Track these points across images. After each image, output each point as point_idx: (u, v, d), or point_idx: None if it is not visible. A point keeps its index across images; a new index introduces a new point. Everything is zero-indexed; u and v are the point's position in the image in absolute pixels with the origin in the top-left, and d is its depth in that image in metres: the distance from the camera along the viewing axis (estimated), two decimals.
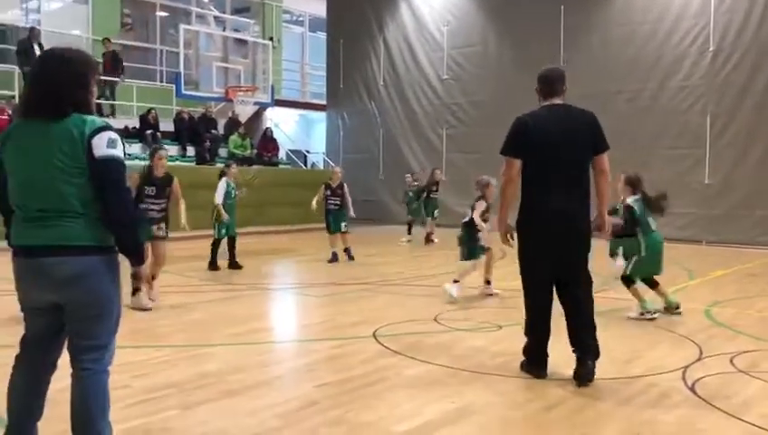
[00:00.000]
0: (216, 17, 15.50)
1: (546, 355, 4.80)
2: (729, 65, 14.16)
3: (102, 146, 2.87)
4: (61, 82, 2.91)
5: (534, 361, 4.83)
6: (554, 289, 4.79)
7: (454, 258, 9.56)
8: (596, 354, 4.62)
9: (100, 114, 15.21)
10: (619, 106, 15.42)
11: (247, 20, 16.61)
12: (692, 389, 4.52)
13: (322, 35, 22.45)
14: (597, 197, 4.82)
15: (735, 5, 14.07)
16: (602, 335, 6.02)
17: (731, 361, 5.20)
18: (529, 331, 4.88)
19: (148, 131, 15.75)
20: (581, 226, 4.71)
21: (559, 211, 4.58)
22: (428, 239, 14.24)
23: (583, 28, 15.99)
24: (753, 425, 3.87)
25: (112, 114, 16.06)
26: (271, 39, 17.23)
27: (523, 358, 4.93)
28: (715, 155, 14.35)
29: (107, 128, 2.93)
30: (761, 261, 11.78)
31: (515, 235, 4.84)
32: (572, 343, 4.69)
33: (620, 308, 7.34)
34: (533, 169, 4.66)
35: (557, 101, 4.79)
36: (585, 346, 4.62)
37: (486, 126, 17.34)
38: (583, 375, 4.54)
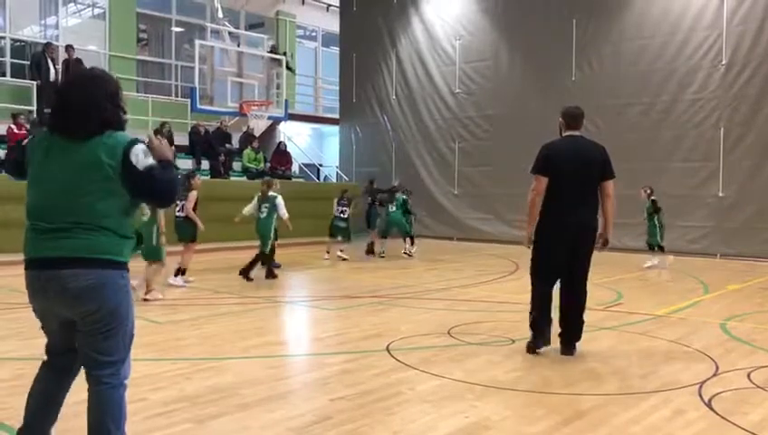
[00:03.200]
0: (230, 33, 15.65)
1: (547, 334, 5.83)
2: (742, 78, 14.13)
3: (141, 158, 2.94)
4: (94, 101, 2.97)
5: (536, 338, 5.85)
6: (558, 281, 5.85)
7: (465, 272, 9.59)
8: (579, 336, 5.86)
9: None
10: (633, 119, 15.42)
11: (261, 35, 16.75)
12: (709, 405, 4.48)
13: (335, 50, 22.62)
14: (603, 216, 5.83)
15: (748, 18, 14.05)
16: (616, 350, 6.04)
17: (748, 376, 5.16)
18: (533, 314, 5.90)
19: None
20: (590, 234, 5.75)
21: (573, 222, 5.64)
22: (369, 251, 14.03)
23: (595, 41, 16.02)
24: None
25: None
26: (284, 54, 17.38)
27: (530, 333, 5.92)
28: (728, 168, 14.28)
29: (137, 141, 3.00)
30: None
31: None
32: (562, 325, 5.86)
33: (633, 322, 7.31)
34: (555, 188, 5.63)
35: (576, 133, 5.84)
36: (575, 328, 5.83)
37: (498, 140, 17.41)
38: (568, 353, 5.81)
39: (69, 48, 15.14)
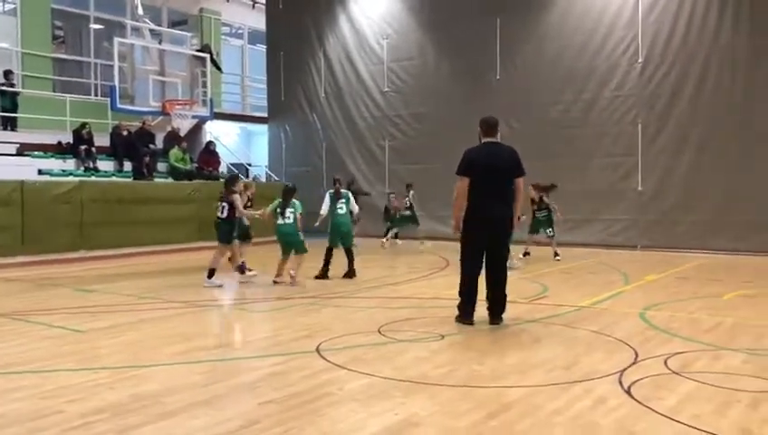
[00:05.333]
0: (151, 30, 15.20)
1: (473, 310, 6.84)
2: (658, 75, 14.73)
3: None
4: None
5: (465, 313, 6.85)
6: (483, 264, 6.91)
7: (398, 269, 9.64)
8: (504, 308, 6.92)
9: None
10: (556, 116, 15.85)
11: (185, 33, 16.35)
12: (628, 392, 4.63)
13: (262, 48, 22.33)
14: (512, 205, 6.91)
15: (662, 18, 14.65)
16: (542, 342, 6.18)
17: (665, 362, 5.37)
18: (462, 291, 6.93)
19: (83, 147, 15.33)
20: (506, 224, 6.87)
21: (491, 214, 6.77)
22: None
23: (519, 40, 16.37)
24: (687, 425, 3.99)
25: (12, 127, 15.51)
26: (210, 52, 17.01)
27: (457, 313, 6.95)
28: (647, 163, 14.86)
29: None
30: (691, 265, 12.22)
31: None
32: (489, 300, 6.91)
33: (558, 314, 7.51)
34: (476, 186, 6.74)
35: (492, 139, 7.02)
36: (501, 301, 6.89)
37: (428, 138, 17.58)
38: (496, 322, 6.85)
39: None
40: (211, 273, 9.89)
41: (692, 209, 14.26)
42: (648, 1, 14.81)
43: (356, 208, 11.00)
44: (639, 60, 14.91)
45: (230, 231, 10.10)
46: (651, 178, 14.82)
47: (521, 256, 12.45)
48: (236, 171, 19.41)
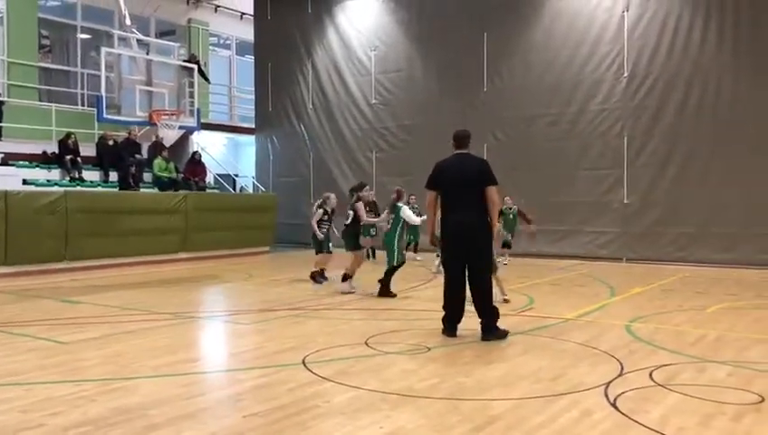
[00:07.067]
0: (139, 40, 15.16)
1: (455, 321, 6.93)
2: (643, 89, 14.86)
3: None
4: None
5: (445, 325, 6.94)
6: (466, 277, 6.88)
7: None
8: (489, 322, 6.82)
9: None
10: (542, 129, 15.95)
11: (172, 43, 16.32)
12: (614, 404, 4.64)
13: (250, 59, 22.33)
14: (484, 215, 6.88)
15: (647, 33, 14.81)
16: (529, 355, 6.19)
17: (650, 375, 5.39)
18: (444, 303, 7.01)
19: (68, 157, 15.24)
20: (477, 232, 6.82)
21: (460, 223, 6.83)
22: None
23: (506, 53, 16.48)
24: None
25: None
26: (198, 62, 16.98)
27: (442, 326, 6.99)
28: (632, 175, 14.97)
29: None
30: (676, 277, 12.30)
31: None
32: (477, 312, 6.88)
33: (545, 326, 7.52)
34: (446, 197, 6.94)
35: (462, 151, 7.09)
36: (483, 313, 6.81)
37: (415, 149, 17.62)
38: (484, 338, 6.75)
39: None
40: (344, 277, 10.23)
41: (677, 222, 14.36)
42: (633, 16, 14.98)
43: (409, 217, 9.91)
44: (625, 74, 15.05)
45: (355, 236, 10.33)
46: (637, 191, 14.92)
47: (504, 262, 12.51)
48: (222, 182, 19.41)
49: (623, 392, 4.90)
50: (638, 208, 14.90)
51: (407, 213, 9.87)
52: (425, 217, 9.87)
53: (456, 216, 6.83)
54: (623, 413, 4.45)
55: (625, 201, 15.07)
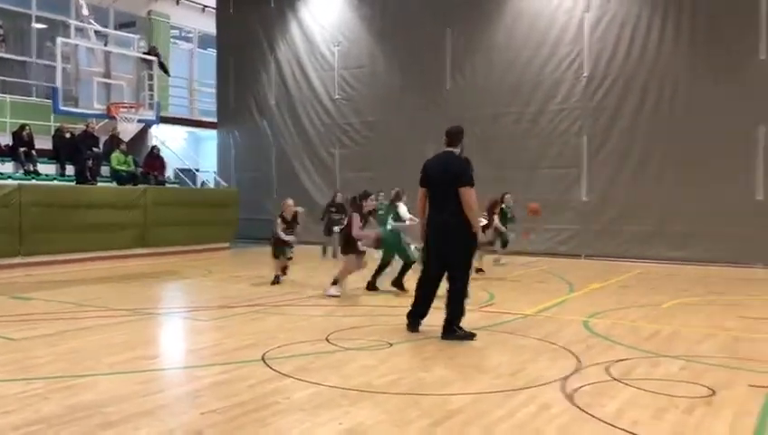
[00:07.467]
0: (97, 31, 14.83)
1: (418, 317, 6.93)
2: (602, 90, 15.13)
3: None
4: None
5: (411, 320, 6.94)
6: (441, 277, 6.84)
7: (349, 277, 9.62)
8: (457, 316, 6.73)
9: None
10: (505, 127, 16.10)
11: (132, 35, 16.01)
12: (571, 399, 4.72)
13: (213, 52, 22.06)
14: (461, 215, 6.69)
15: (606, 35, 15.06)
16: (489, 350, 6.25)
17: (606, 370, 5.48)
18: (414, 301, 6.97)
19: (22, 149, 14.84)
20: (451, 232, 6.70)
21: (437, 222, 6.80)
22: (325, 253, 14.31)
23: (469, 52, 16.59)
24: (626, 431, 4.08)
25: None
26: (157, 55, 16.69)
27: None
28: (591, 174, 15.23)
29: None
30: (633, 273, 12.55)
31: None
32: (446, 304, 6.80)
33: (505, 322, 7.60)
34: (429, 195, 6.89)
35: (449, 149, 6.97)
36: (449, 311, 6.72)
37: (378, 146, 17.64)
38: (443, 337, 6.66)
39: None
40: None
41: (634, 220, 14.65)
42: (593, 18, 15.20)
43: (404, 215, 10.09)
44: (585, 74, 15.28)
45: (346, 241, 9.73)
46: (596, 189, 15.18)
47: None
48: (183, 176, 19.14)
49: (580, 387, 4.98)
50: (597, 206, 15.17)
51: (401, 209, 10.09)
52: (411, 216, 9.96)
53: (434, 215, 6.82)
54: (580, 408, 4.52)
55: (584, 199, 15.32)
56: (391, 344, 6.37)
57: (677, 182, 14.16)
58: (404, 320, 7.04)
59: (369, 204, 9.87)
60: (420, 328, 6.94)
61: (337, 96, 18.64)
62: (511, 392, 4.87)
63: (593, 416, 4.35)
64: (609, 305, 8.87)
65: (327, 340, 6.54)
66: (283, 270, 11.02)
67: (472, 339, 6.62)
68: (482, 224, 9.21)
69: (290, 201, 11.14)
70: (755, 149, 13.61)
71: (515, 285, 11.02)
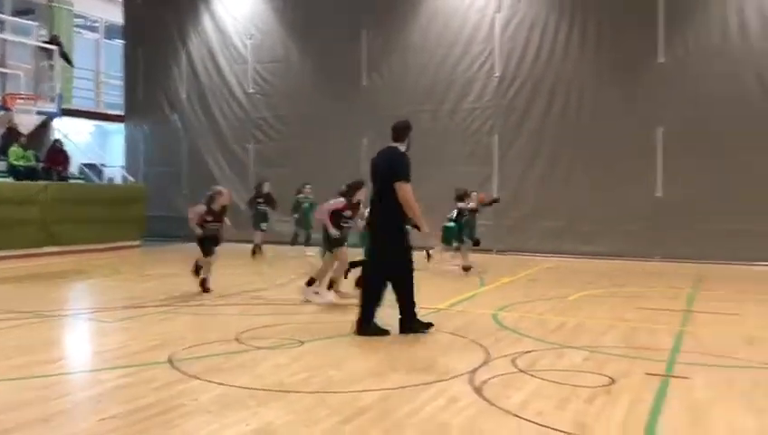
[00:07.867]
0: None
1: (366, 316, 6.63)
2: (513, 89, 15.54)
3: None
4: None
5: (363, 325, 6.64)
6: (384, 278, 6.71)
7: (261, 276, 9.47)
8: (406, 319, 6.69)
9: None
10: (422, 125, 16.12)
11: (30, 22, 15.17)
12: (478, 391, 4.81)
13: (120, 43, 21.22)
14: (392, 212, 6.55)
15: (516, 35, 15.48)
16: (400, 345, 6.30)
17: (513, 362, 5.63)
18: (361, 305, 6.73)
19: None
20: (378, 232, 6.68)
21: (369, 222, 6.87)
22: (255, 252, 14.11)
23: (386, 50, 16.67)
24: (530, 421, 4.20)
25: None
26: (59, 44, 15.91)
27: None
28: (503, 171, 15.63)
29: None
30: (541, 268, 12.98)
31: None
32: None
33: (417, 316, 7.67)
34: (373, 191, 6.70)
35: (394, 144, 6.74)
36: (400, 311, 6.71)
37: (292, 141, 17.47)
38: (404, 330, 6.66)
39: None
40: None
41: (543, 216, 15.15)
42: (503, 18, 15.58)
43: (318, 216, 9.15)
44: (496, 74, 15.64)
45: (327, 239, 8.68)
46: (507, 187, 15.57)
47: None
48: (88, 172, 18.35)
49: (488, 379, 5.09)
50: (508, 202, 15.54)
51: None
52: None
53: (371, 212, 6.74)
54: (486, 399, 4.62)
55: (495, 196, 15.67)
56: (303, 342, 6.31)
57: (582, 183, 14.73)
58: (316, 318, 7.00)
59: (357, 197, 8.85)
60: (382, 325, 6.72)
61: (251, 90, 18.33)
62: (421, 387, 4.92)
63: (500, 408, 4.45)
64: (518, 299, 9.13)
65: (237, 339, 6.42)
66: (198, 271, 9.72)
67: (425, 329, 6.71)
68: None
69: (223, 190, 9.83)
70: (655, 150, 14.32)
71: (427, 279, 11.14)
